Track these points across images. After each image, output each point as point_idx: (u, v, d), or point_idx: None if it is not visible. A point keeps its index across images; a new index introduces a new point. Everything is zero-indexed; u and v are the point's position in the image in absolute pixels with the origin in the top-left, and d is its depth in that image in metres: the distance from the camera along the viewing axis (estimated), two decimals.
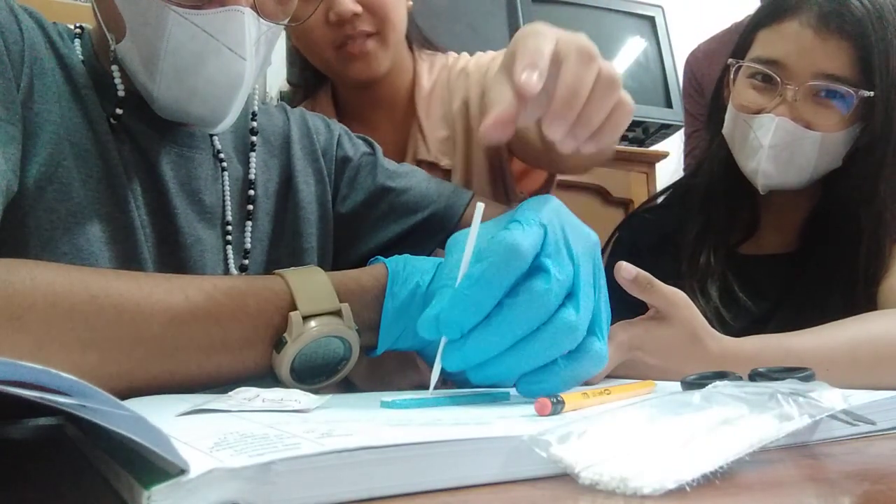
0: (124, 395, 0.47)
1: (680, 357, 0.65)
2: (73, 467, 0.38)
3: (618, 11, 2.08)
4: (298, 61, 1.14)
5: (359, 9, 0.89)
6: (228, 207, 0.73)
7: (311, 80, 1.12)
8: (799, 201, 0.97)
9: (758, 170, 0.90)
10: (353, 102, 1.05)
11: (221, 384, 0.52)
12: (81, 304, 0.46)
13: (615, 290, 0.73)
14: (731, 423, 0.36)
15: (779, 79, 0.87)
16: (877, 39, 0.84)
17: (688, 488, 0.28)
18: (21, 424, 0.51)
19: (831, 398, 0.40)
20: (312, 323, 0.53)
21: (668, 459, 0.30)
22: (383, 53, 0.94)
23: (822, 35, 0.85)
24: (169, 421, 0.38)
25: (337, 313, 0.54)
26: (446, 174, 1.00)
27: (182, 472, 0.26)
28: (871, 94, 0.85)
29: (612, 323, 0.68)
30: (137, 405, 0.43)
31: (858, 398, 0.44)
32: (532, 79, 0.44)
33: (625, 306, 0.73)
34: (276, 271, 0.55)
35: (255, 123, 0.77)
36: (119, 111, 0.65)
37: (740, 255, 0.99)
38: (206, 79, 0.62)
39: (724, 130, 0.95)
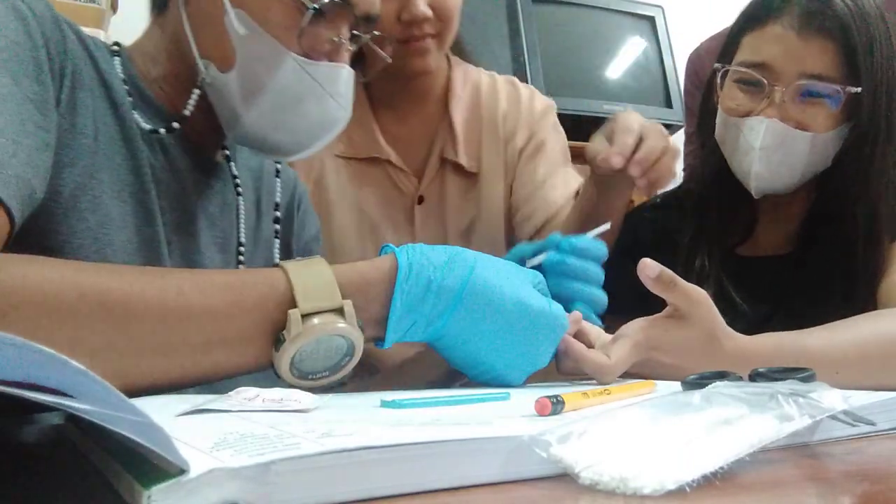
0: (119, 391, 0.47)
1: (696, 357, 0.65)
2: (74, 467, 0.38)
3: (618, 11, 2.07)
4: None
5: (430, 13, 0.96)
6: (242, 231, 0.78)
7: None
8: (794, 201, 0.97)
9: (750, 172, 0.91)
10: (386, 91, 1.10)
11: (221, 379, 0.52)
12: (70, 303, 0.45)
13: (616, 284, 0.73)
14: (731, 423, 0.36)
15: (765, 81, 0.88)
16: (860, 37, 0.84)
17: (688, 489, 0.28)
18: (22, 425, 0.51)
19: (831, 399, 0.40)
20: (314, 320, 0.52)
21: (668, 460, 0.30)
22: (438, 53, 1.02)
23: (806, 36, 0.85)
24: (169, 421, 0.38)
25: (339, 310, 0.53)
26: (470, 176, 1.09)
27: (182, 472, 0.26)
28: (858, 90, 0.85)
29: (626, 320, 0.69)
30: (138, 405, 0.43)
31: (858, 399, 0.44)
32: (617, 161, 0.82)
33: (621, 303, 0.73)
34: (280, 262, 0.55)
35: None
36: (176, 125, 0.69)
37: (739, 256, 0.99)
38: (301, 116, 0.69)
39: (716, 134, 0.96)
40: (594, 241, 0.72)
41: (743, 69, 0.90)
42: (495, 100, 1.13)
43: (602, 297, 0.72)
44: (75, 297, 0.46)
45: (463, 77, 1.13)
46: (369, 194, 1.09)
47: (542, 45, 1.91)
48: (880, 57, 0.86)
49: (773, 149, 0.88)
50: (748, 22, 0.92)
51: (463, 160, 1.08)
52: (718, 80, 0.95)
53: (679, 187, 1.10)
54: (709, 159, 1.00)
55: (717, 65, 0.95)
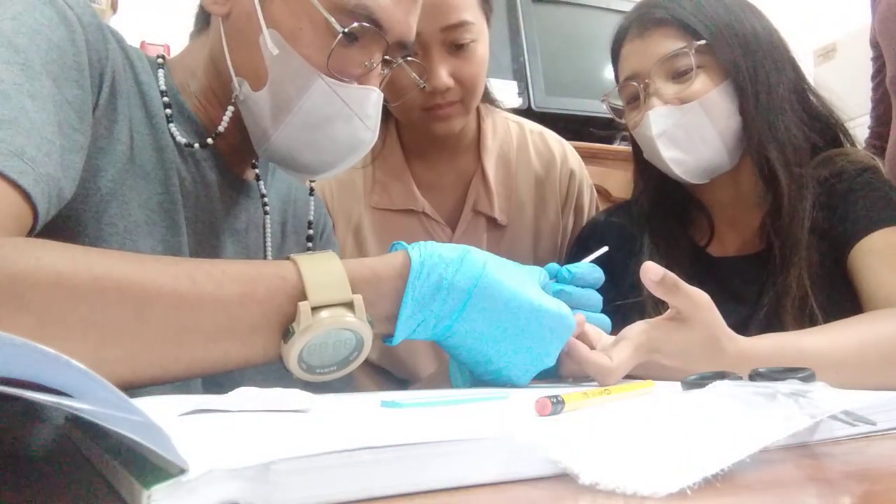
0: (128, 378, 0.47)
1: (698, 359, 0.65)
2: (74, 467, 0.38)
3: (618, 11, 2.07)
4: None
5: (451, 83, 0.97)
6: (269, 249, 0.79)
7: None
8: (739, 193, 0.99)
9: (665, 161, 0.94)
10: (417, 142, 1.12)
11: (230, 369, 0.52)
12: (84, 286, 0.45)
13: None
14: (732, 423, 0.36)
15: (637, 83, 0.96)
16: (686, 5, 0.94)
17: (689, 491, 0.28)
18: (23, 426, 0.51)
19: (831, 399, 0.40)
20: (323, 314, 0.52)
21: (668, 461, 0.30)
22: (463, 117, 1.04)
23: (646, 34, 0.96)
24: (169, 421, 0.38)
25: (349, 305, 0.53)
26: (500, 227, 1.12)
27: (182, 471, 0.26)
28: (704, 41, 0.92)
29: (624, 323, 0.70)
30: (138, 405, 0.43)
31: (858, 398, 0.44)
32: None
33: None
34: (291, 256, 0.55)
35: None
36: (210, 140, 0.71)
37: (711, 257, 1.00)
38: (328, 136, 0.70)
39: (644, 154, 1.00)
40: (591, 267, 0.72)
41: (624, 92, 1.00)
42: (526, 155, 1.16)
43: (605, 322, 0.72)
44: (89, 280, 0.45)
45: (492, 128, 1.15)
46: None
47: (542, 45, 1.91)
48: (713, 11, 0.94)
49: (670, 131, 0.93)
50: (613, 59, 1.03)
51: (497, 214, 1.11)
52: (615, 111, 1.04)
53: (630, 200, 1.12)
54: (643, 174, 1.05)
55: (602, 98, 1.06)
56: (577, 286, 0.71)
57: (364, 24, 0.66)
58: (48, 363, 0.25)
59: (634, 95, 0.97)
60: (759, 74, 0.93)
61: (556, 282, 0.70)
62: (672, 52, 0.92)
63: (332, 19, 0.65)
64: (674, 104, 0.92)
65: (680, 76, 0.93)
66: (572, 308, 0.68)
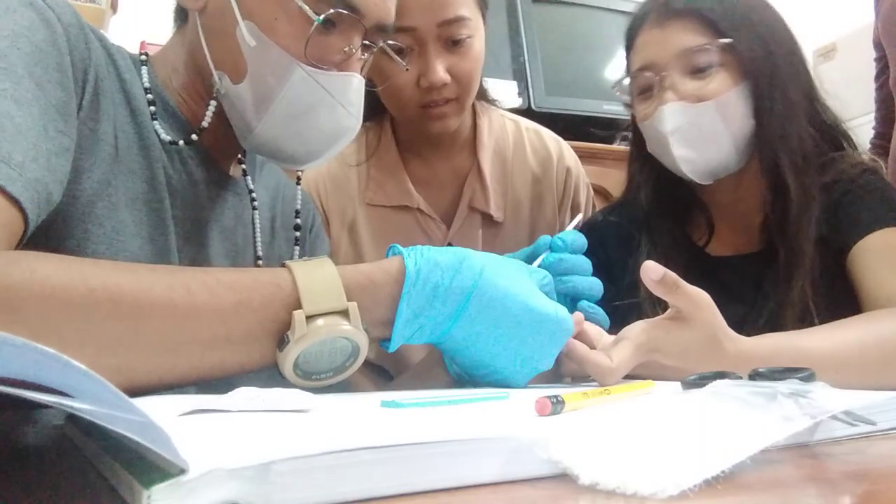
0: (125, 387, 0.47)
1: (698, 359, 0.65)
2: (74, 467, 0.38)
3: (618, 11, 2.07)
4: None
5: (448, 78, 0.97)
6: (259, 245, 0.79)
7: (369, 108, 1.18)
8: (741, 194, 0.98)
9: (675, 159, 0.93)
10: (413, 139, 1.12)
11: (227, 377, 0.52)
12: (79, 298, 0.45)
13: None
14: (732, 424, 0.36)
15: (653, 74, 0.93)
16: (712, 1, 0.92)
17: (689, 493, 0.28)
18: (22, 425, 0.51)
19: (831, 399, 0.40)
20: (318, 322, 0.52)
21: (669, 462, 0.30)
22: (458, 116, 1.03)
23: (666, 24, 0.93)
24: (169, 421, 0.38)
25: (344, 312, 0.53)
26: (495, 224, 1.12)
27: (182, 471, 0.26)
28: (729, 40, 0.90)
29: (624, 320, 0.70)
30: (138, 405, 0.43)
31: (859, 399, 0.44)
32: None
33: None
34: (286, 263, 0.55)
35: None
36: (195, 137, 0.70)
37: (710, 256, 1.00)
38: (311, 125, 0.70)
39: (648, 147, 0.99)
40: (578, 234, 0.73)
41: (637, 82, 0.97)
42: (522, 152, 1.16)
43: (599, 284, 0.73)
44: (84, 292, 0.45)
45: (488, 125, 1.14)
46: (399, 241, 1.10)
47: (542, 45, 1.91)
48: (739, 9, 0.92)
49: (684, 129, 0.91)
50: (628, 42, 1.00)
51: (493, 211, 1.10)
52: (628, 98, 1.01)
53: (627, 198, 1.11)
54: (642, 170, 1.04)
55: (613, 85, 1.03)
56: (570, 253, 0.72)
57: (340, 10, 0.65)
58: (48, 363, 0.25)
59: (647, 86, 0.95)
60: (776, 79, 0.91)
61: (552, 251, 0.72)
62: (694, 46, 0.90)
63: (307, 7, 0.64)
64: (690, 101, 0.91)
65: (698, 72, 0.91)
66: (569, 273, 0.69)
